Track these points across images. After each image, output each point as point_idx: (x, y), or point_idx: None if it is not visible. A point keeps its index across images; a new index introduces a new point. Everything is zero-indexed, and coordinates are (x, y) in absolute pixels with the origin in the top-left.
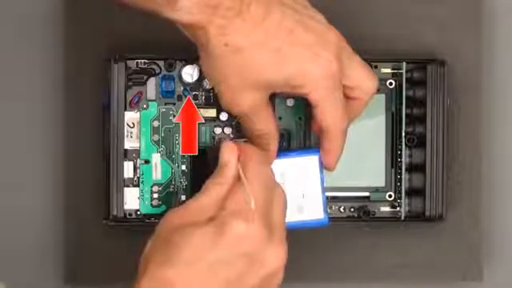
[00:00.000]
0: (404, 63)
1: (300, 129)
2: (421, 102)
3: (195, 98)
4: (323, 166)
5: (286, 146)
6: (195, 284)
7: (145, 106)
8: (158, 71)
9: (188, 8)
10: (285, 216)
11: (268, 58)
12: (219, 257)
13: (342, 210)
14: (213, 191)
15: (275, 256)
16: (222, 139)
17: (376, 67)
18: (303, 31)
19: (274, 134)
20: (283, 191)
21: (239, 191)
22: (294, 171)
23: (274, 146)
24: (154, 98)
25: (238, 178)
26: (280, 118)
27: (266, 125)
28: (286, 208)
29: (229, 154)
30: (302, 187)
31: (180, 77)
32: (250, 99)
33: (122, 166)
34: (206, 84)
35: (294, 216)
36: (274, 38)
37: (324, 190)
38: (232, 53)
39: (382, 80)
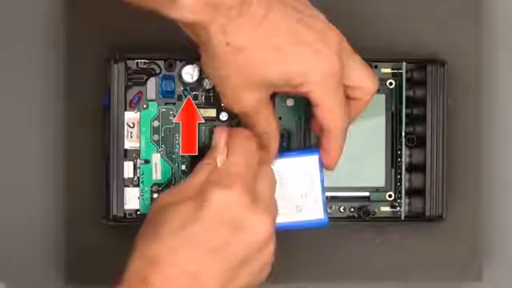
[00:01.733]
0: (404, 63)
1: (300, 129)
2: (421, 102)
3: (195, 98)
4: (323, 166)
5: (286, 146)
6: (180, 255)
7: (145, 106)
8: (157, 71)
9: (189, 7)
10: (273, 192)
11: (269, 57)
12: (202, 226)
13: (341, 210)
14: (201, 171)
15: (260, 224)
16: (216, 126)
17: (376, 67)
18: (304, 30)
19: (274, 133)
20: (271, 169)
21: (221, 165)
22: (294, 171)
23: (274, 145)
24: (153, 98)
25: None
26: (280, 118)
27: (266, 124)
28: (274, 185)
29: (219, 136)
30: (302, 187)
31: (180, 77)
32: (252, 98)
33: (122, 165)
34: (206, 84)
35: (293, 216)
36: (275, 36)
37: (324, 189)
38: (233, 52)
39: (382, 80)
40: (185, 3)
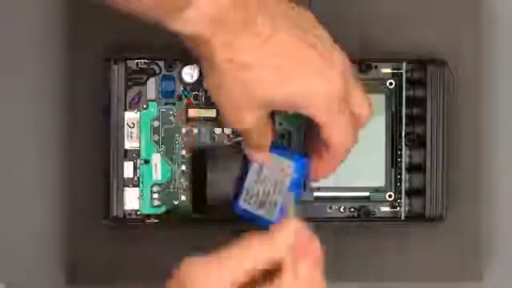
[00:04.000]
0: (404, 63)
1: (300, 129)
2: (421, 102)
3: (195, 98)
4: (310, 173)
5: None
6: None
7: (145, 106)
8: (157, 71)
9: (193, 20)
10: None
11: (272, 77)
12: None
13: (342, 210)
14: (251, 259)
15: None
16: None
17: (376, 67)
18: (309, 50)
19: (268, 141)
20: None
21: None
22: (271, 168)
23: (267, 149)
24: (153, 98)
25: (275, 268)
26: (280, 124)
27: (265, 140)
28: None
29: (286, 233)
30: (270, 185)
31: (180, 77)
32: (252, 118)
33: (122, 165)
34: None
35: (255, 209)
36: (279, 56)
37: (290, 193)
38: (236, 69)
39: (382, 80)
40: (188, 17)
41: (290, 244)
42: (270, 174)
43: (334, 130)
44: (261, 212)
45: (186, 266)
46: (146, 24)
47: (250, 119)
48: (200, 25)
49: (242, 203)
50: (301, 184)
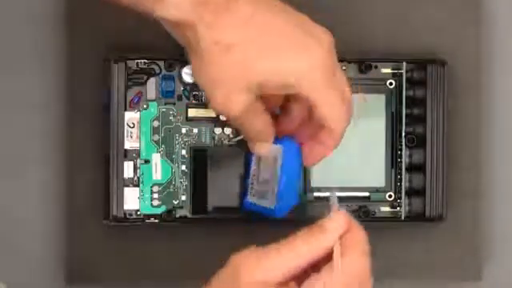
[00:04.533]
0: (404, 63)
1: None
2: (421, 102)
3: (195, 98)
4: (305, 157)
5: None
6: None
7: (145, 106)
8: (157, 71)
9: (176, 4)
10: None
11: (259, 56)
12: None
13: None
14: (298, 254)
15: None
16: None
17: (376, 67)
18: (294, 28)
19: (269, 129)
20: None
21: (331, 275)
22: (266, 157)
23: (270, 138)
24: (153, 98)
25: (328, 257)
26: None
27: (260, 124)
28: None
29: (337, 224)
30: (269, 174)
31: (180, 77)
32: (242, 101)
33: (122, 165)
34: None
35: (258, 199)
36: (265, 34)
37: (285, 180)
38: (222, 51)
39: (382, 80)
40: (172, 1)
41: (341, 235)
42: (266, 162)
43: (328, 106)
44: (264, 202)
45: (240, 257)
46: (146, 24)
47: (239, 103)
48: (183, 8)
49: (249, 198)
50: (294, 169)
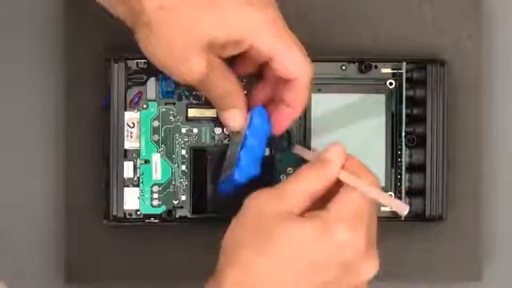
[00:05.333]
0: (404, 63)
1: (300, 128)
2: (421, 102)
3: (195, 98)
4: (274, 125)
5: (287, 146)
6: (287, 282)
7: (145, 106)
8: (158, 71)
9: None
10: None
11: (204, 14)
12: (318, 260)
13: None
14: (311, 182)
15: (369, 270)
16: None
17: (376, 67)
18: None
19: (236, 90)
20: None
21: (345, 196)
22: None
23: (241, 102)
24: (153, 98)
25: (336, 184)
26: None
27: (224, 84)
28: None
29: (337, 153)
30: (238, 144)
31: None
32: (200, 62)
33: (122, 165)
34: None
35: (226, 174)
36: None
37: (249, 145)
38: (168, 15)
39: (382, 80)
40: None
41: (342, 163)
42: (235, 140)
43: (287, 58)
44: (230, 172)
45: (252, 198)
46: None
47: (197, 64)
48: None
49: (222, 179)
50: (260, 136)
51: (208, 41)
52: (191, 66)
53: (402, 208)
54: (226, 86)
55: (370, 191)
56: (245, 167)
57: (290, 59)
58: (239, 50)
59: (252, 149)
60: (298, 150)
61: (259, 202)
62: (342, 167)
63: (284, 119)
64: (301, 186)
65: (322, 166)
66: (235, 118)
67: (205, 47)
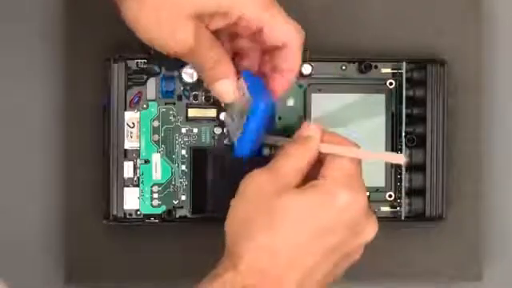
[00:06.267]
0: (404, 63)
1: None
2: (421, 102)
3: (195, 98)
4: (272, 92)
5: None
6: (299, 252)
7: (145, 106)
8: (157, 71)
9: None
10: None
11: None
12: (325, 224)
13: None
14: (297, 157)
15: (371, 228)
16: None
17: (376, 67)
18: None
19: (226, 60)
20: None
21: (334, 162)
22: (241, 95)
23: (231, 72)
24: (153, 97)
25: (318, 161)
26: (280, 118)
27: (213, 54)
28: None
29: (314, 130)
30: (239, 111)
31: (180, 77)
32: (188, 33)
33: (122, 165)
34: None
35: (228, 121)
36: None
37: (254, 130)
38: None
39: (382, 80)
40: None
41: (320, 138)
42: (240, 101)
43: (277, 24)
44: (231, 130)
45: (248, 178)
46: None
47: (186, 35)
48: None
49: (226, 122)
50: (261, 123)
51: (195, 11)
52: (179, 36)
53: (397, 158)
54: (215, 56)
55: (354, 152)
56: (245, 145)
57: (280, 25)
58: (227, 21)
59: (256, 120)
60: (271, 139)
61: (257, 182)
62: (322, 141)
63: (280, 86)
64: (290, 163)
65: (304, 141)
66: (228, 89)
67: (192, 17)
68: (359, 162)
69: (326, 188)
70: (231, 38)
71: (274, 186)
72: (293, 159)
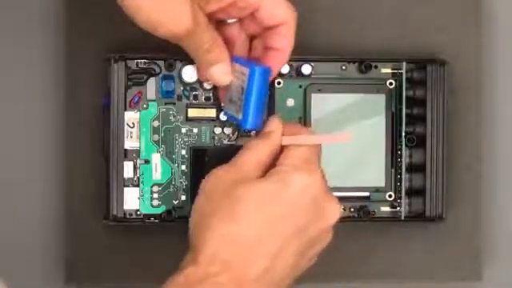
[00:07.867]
0: (404, 63)
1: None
2: (421, 102)
3: (195, 98)
4: (271, 67)
5: None
6: (262, 238)
7: (145, 106)
8: (157, 71)
9: None
10: None
11: None
12: (285, 209)
13: (342, 209)
14: (258, 150)
15: (333, 211)
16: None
17: (376, 67)
18: None
19: (221, 44)
20: None
21: (292, 149)
22: (237, 76)
23: (226, 56)
24: (153, 98)
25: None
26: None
27: (209, 38)
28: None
29: (275, 124)
30: (238, 90)
31: (180, 77)
32: (186, 15)
33: (122, 166)
34: (206, 84)
35: (231, 110)
36: None
37: (255, 98)
38: None
39: (382, 80)
40: None
41: (282, 131)
42: (236, 80)
43: (273, 4)
44: (234, 112)
45: (209, 174)
46: None
47: (184, 16)
48: None
49: (226, 108)
50: (260, 90)
51: None
52: (178, 19)
53: (344, 137)
54: (211, 39)
55: (310, 139)
56: (252, 109)
57: (276, 5)
58: (223, 3)
59: (257, 86)
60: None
61: (215, 175)
62: (283, 135)
63: (277, 64)
64: (253, 156)
65: (266, 136)
66: (224, 72)
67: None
68: (316, 146)
69: (283, 174)
70: (218, 26)
71: (233, 178)
72: (252, 152)
